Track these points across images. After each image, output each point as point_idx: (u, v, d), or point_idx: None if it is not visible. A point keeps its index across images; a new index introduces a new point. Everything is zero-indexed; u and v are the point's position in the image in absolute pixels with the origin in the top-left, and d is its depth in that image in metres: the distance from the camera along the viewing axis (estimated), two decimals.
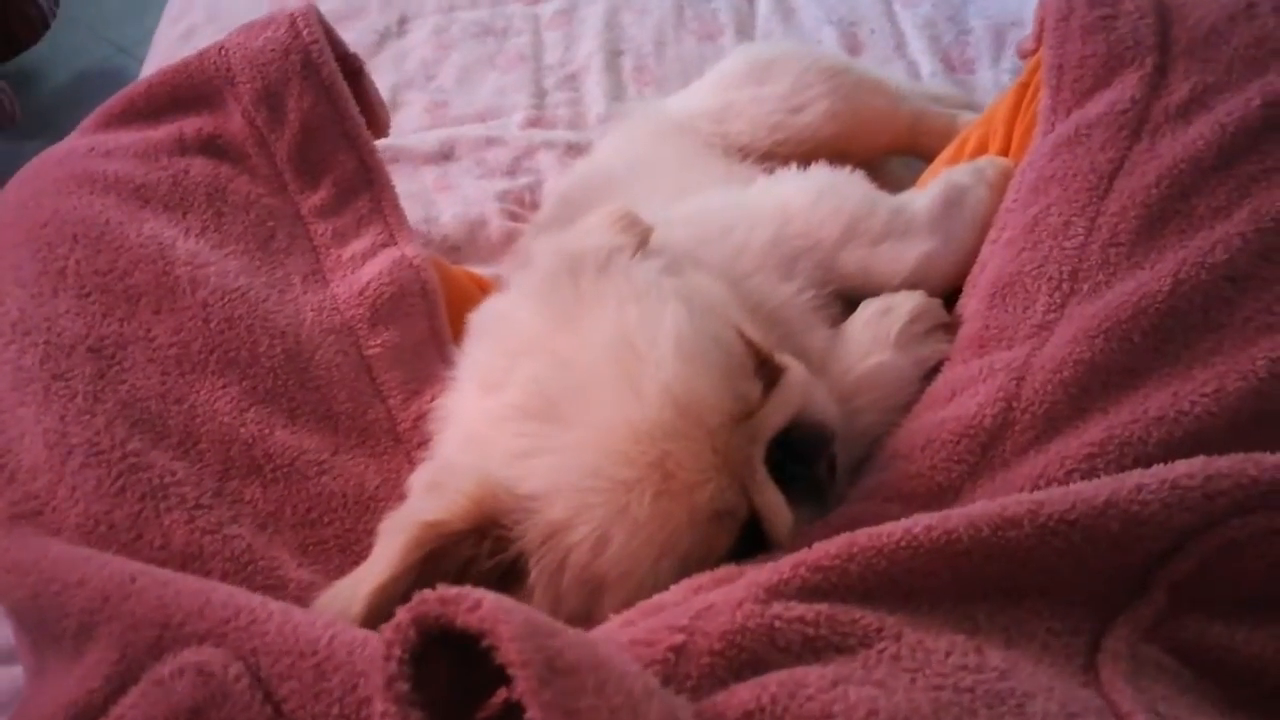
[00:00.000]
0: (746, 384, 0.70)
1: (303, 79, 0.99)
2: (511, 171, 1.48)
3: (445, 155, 1.52)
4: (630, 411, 0.65)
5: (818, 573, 0.58)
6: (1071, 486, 0.62)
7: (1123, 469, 0.67)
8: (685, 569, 0.66)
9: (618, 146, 1.28)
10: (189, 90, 1.03)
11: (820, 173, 0.98)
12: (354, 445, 0.82)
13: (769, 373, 0.73)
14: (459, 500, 0.66)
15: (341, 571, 0.73)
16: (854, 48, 1.66)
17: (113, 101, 1.07)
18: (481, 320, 0.80)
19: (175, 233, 0.92)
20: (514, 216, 1.39)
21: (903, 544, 0.58)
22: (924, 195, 0.93)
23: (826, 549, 0.59)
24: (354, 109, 1.00)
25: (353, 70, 1.09)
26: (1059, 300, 0.79)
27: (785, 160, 1.21)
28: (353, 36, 1.78)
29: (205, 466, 0.78)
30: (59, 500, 0.75)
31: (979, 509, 0.60)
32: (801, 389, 0.73)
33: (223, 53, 1.02)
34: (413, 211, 1.40)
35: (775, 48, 1.24)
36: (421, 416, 0.84)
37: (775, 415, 0.71)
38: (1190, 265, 0.76)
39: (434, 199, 1.44)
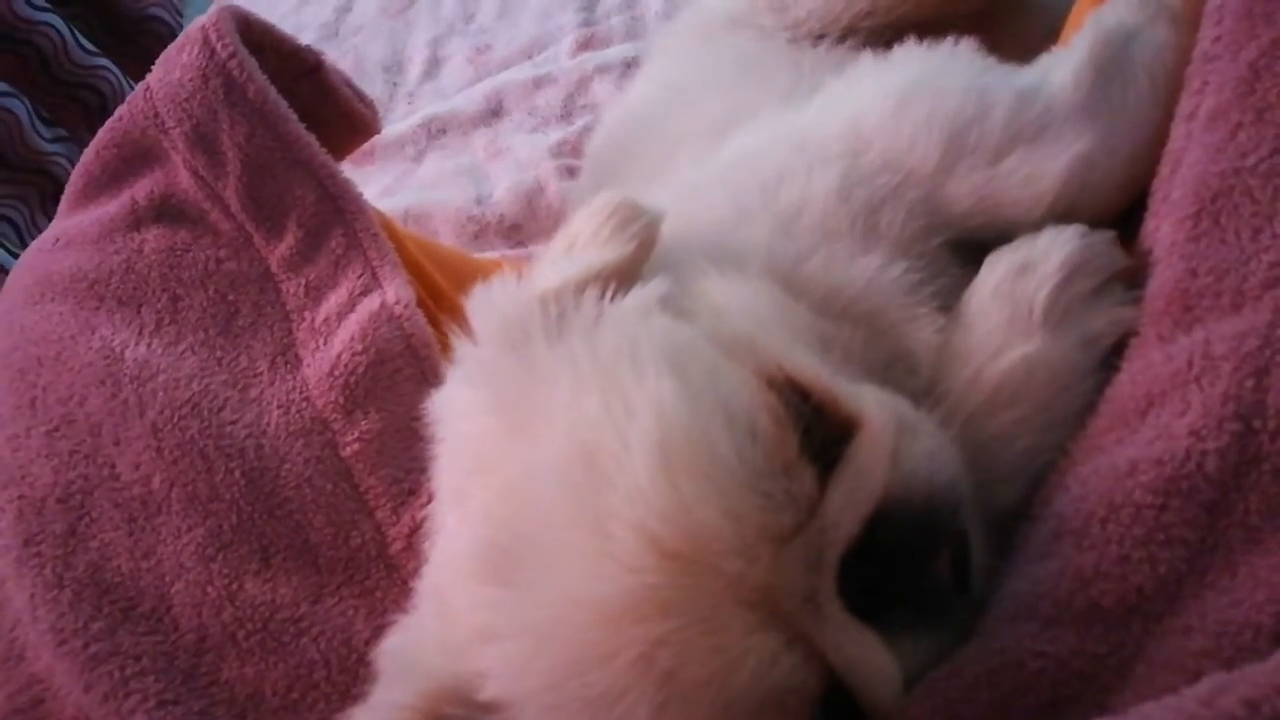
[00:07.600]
0: (787, 478, 0.44)
1: (229, 107, 0.79)
2: (566, 115, 1.26)
3: (494, 112, 1.31)
4: (598, 579, 0.42)
5: None
6: None
7: None
8: None
9: (654, 74, 1.00)
10: (131, 149, 0.87)
11: (904, 60, 0.66)
12: (339, 584, 0.65)
13: (834, 436, 0.47)
14: (406, 715, 0.47)
15: None
16: None
17: (75, 176, 0.94)
18: (437, 412, 0.58)
19: (127, 336, 0.78)
20: (571, 172, 1.17)
21: None
22: (1064, 61, 0.60)
23: None
24: (297, 128, 0.80)
25: (308, 69, 0.89)
26: None
27: (874, 35, 0.89)
28: None
29: (179, 638, 0.66)
30: (57, 685, 0.68)
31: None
32: (889, 451, 0.47)
33: (149, 95, 0.85)
34: (464, 191, 1.22)
35: None
36: (416, 529, 0.65)
37: (846, 514, 0.45)
38: None
39: (486, 171, 1.24)
